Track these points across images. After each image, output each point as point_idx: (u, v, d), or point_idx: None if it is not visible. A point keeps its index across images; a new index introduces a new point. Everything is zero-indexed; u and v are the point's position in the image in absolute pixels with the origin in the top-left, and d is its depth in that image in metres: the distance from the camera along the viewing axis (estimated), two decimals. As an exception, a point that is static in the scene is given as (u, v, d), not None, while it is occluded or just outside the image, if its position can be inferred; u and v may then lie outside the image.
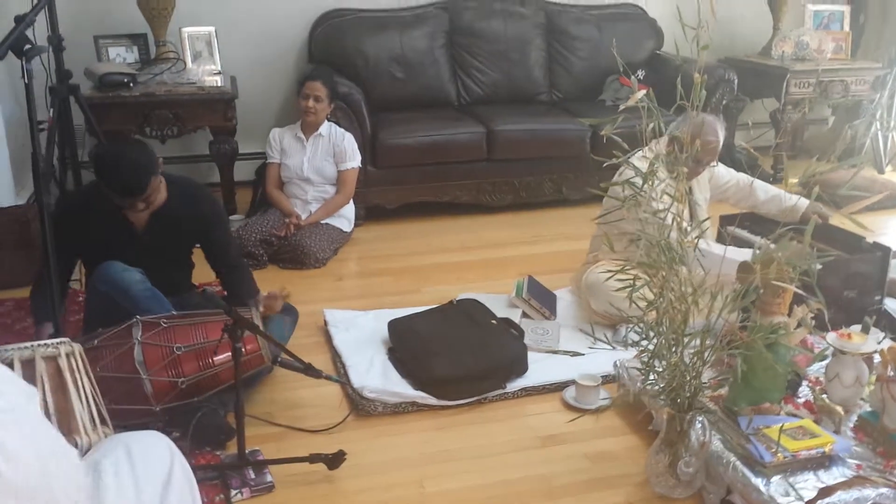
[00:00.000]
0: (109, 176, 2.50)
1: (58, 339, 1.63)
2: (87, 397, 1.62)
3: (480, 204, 4.43)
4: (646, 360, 2.13)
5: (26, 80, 2.13)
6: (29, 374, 1.51)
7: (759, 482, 2.03)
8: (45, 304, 2.40)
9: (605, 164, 2.01)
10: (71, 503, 1.02)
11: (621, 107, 1.94)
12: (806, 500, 1.93)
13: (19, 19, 2.14)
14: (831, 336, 2.34)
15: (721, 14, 5.27)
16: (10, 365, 1.49)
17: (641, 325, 2.11)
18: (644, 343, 2.12)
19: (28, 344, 1.56)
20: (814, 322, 2.20)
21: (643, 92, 1.94)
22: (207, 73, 4.20)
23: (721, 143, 2.97)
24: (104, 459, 1.32)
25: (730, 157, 4.71)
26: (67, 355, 1.60)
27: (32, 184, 3.75)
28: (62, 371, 1.57)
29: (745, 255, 2.24)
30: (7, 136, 3.66)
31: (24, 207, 3.64)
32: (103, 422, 1.67)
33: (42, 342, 1.59)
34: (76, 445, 1.52)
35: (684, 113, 2.62)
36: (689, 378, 2.10)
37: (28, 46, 2.11)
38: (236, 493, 2.18)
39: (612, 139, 2.00)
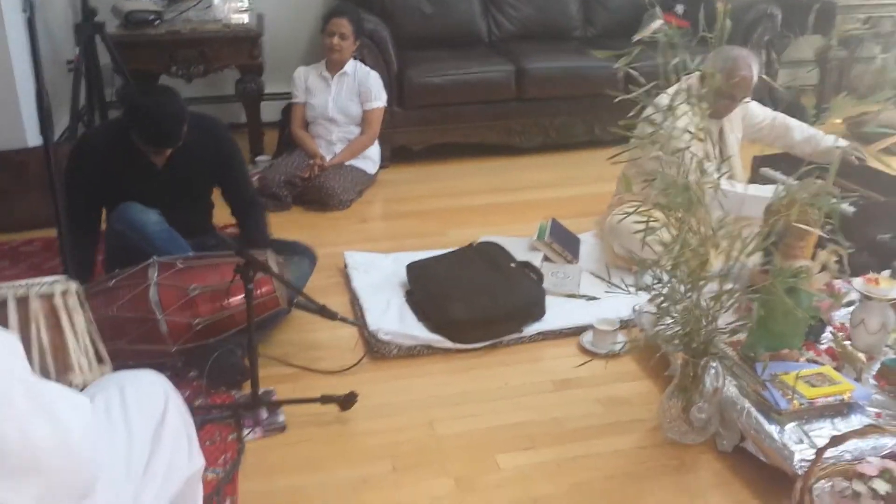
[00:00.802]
0: (148, 129, 2.52)
1: (53, 278, 1.64)
2: (83, 336, 1.63)
3: (510, 145, 4.35)
4: (660, 303, 2.07)
5: (27, 13, 2.11)
6: (24, 313, 1.53)
7: (772, 429, 1.99)
8: (73, 251, 2.43)
9: (616, 100, 1.93)
10: (66, 462, 1.02)
11: (634, 38, 1.85)
12: (818, 447, 1.88)
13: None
14: (857, 281, 2.26)
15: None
16: (4, 303, 1.52)
17: (656, 268, 2.05)
18: (657, 287, 2.06)
19: (23, 282, 1.58)
20: (838, 266, 2.12)
21: (660, 22, 1.84)
22: (234, 11, 4.15)
23: (755, 78, 2.85)
24: (96, 398, 1.33)
25: (770, 95, 4.53)
26: (63, 294, 1.61)
27: (60, 123, 3.82)
28: (57, 310, 1.59)
29: (768, 192, 2.15)
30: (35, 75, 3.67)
31: (52, 147, 3.67)
32: (101, 361, 1.69)
33: (37, 280, 1.60)
34: (71, 384, 1.55)
35: (716, 49, 2.51)
36: (704, 323, 2.05)
37: (28, -22, 2.09)
38: (249, 433, 2.21)
39: (631, 75, 1.92)
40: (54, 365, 1.55)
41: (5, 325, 1.51)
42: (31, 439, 0.91)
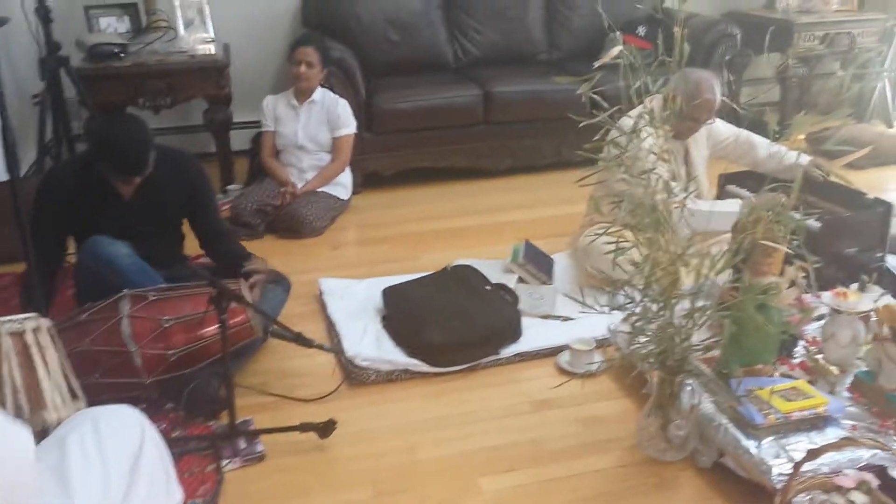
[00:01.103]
0: (115, 158, 2.50)
1: (24, 315, 1.62)
2: (55, 373, 1.61)
3: (478, 169, 4.38)
4: (634, 322, 2.10)
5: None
6: (-5, 350, 1.51)
7: (750, 444, 2.01)
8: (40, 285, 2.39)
9: (581, 125, 1.96)
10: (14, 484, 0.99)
11: (596, 64, 1.88)
12: (796, 461, 1.90)
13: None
14: (827, 295, 2.30)
15: (724, -34, 5.17)
16: (-24, 342, 1.50)
17: (628, 287, 2.07)
18: (631, 306, 2.08)
19: (-7, 319, 1.56)
20: (806, 281, 2.16)
21: (619, 48, 1.87)
22: (200, 42, 4.15)
23: (718, 100, 2.91)
24: (70, 435, 1.31)
25: (733, 114, 4.62)
26: (34, 331, 1.59)
27: (27, 157, 3.77)
28: (29, 347, 1.56)
29: (734, 206, 2.19)
30: (-2, 110, 3.64)
31: (19, 182, 3.62)
32: (74, 397, 1.66)
33: (8, 318, 1.58)
34: (44, 422, 1.52)
35: (679, 73, 2.56)
36: (678, 341, 2.07)
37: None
38: (227, 463, 2.19)
39: (593, 98, 1.95)
40: (28, 403, 1.52)
41: (-24, 363, 1.49)
42: None
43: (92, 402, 1.78)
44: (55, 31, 3.70)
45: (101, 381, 2.24)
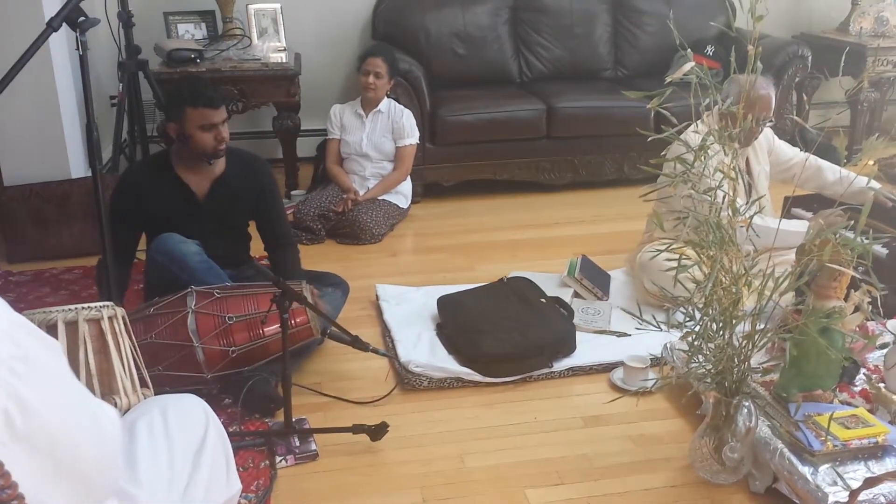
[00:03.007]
0: (193, 88, 2.66)
1: (101, 303, 1.70)
2: (128, 359, 1.68)
3: (539, 182, 4.39)
4: (692, 341, 2.08)
5: (80, 52, 2.20)
6: (73, 336, 1.59)
7: (806, 470, 1.97)
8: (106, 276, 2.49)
9: (649, 139, 1.96)
10: (100, 461, 1.04)
11: (667, 79, 1.89)
12: (852, 489, 1.87)
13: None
14: (892, 323, 2.25)
15: (798, -12, 5.09)
16: (55, 326, 1.57)
17: (687, 306, 2.06)
18: (690, 325, 2.07)
19: (72, 306, 1.63)
20: (871, 307, 2.11)
21: (691, 64, 1.87)
22: (272, 50, 4.27)
23: (773, 97, 2.85)
24: (139, 420, 1.36)
25: (801, 136, 4.55)
26: (110, 318, 1.66)
27: (102, 155, 3.92)
28: (104, 333, 1.64)
29: (801, 226, 2.16)
30: (80, 110, 3.80)
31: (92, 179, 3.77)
32: (143, 384, 1.73)
33: (86, 305, 1.65)
34: (116, 405, 1.59)
35: (728, 78, 2.52)
36: (737, 362, 2.05)
37: (81, 19, 2.18)
38: (281, 460, 2.24)
39: (661, 113, 1.95)
40: (100, 387, 1.59)
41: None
42: (76, 437, 0.93)
43: (155, 394, 1.85)
44: (135, 35, 3.85)
45: (163, 374, 2.32)
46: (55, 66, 3.52)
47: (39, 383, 0.88)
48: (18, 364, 0.85)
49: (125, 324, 1.72)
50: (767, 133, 3.07)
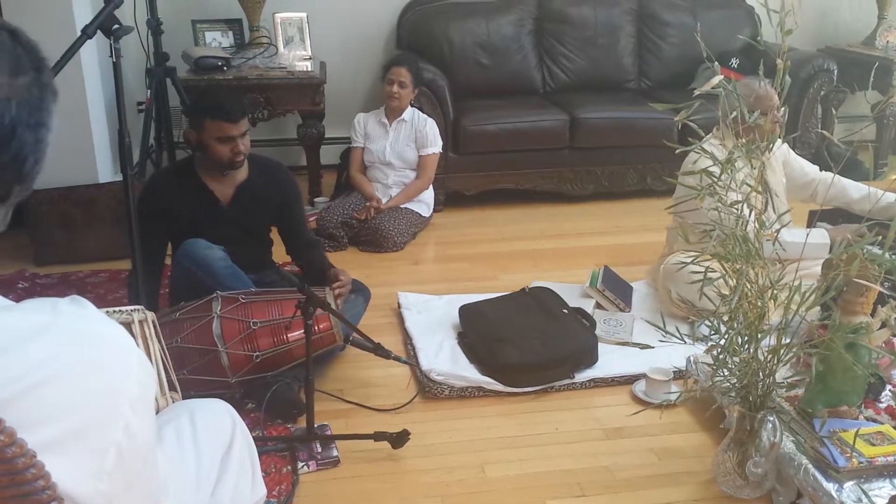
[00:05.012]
0: (213, 103, 2.69)
1: (131, 307, 1.72)
2: (158, 363, 1.70)
3: (561, 193, 4.39)
4: (716, 355, 2.07)
5: (114, 59, 2.24)
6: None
7: (830, 487, 1.95)
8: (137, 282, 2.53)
9: (676, 151, 1.96)
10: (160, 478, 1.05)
11: (696, 92, 1.89)
12: (879, 508, 1.85)
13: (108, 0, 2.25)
14: (919, 340, 2.22)
15: (823, 2, 5.07)
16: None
17: (713, 319, 2.05)
18: (715, 338, 2.06)
19: (103, 310, 1.65)
20: (899, 323, 2.09)
21: (720, 78, 1.88)
22: (298, 59, 4.32)
23: (770, 92, 2.82)
24: (168, 425, 1.38)
25: (827, 150, 4.52)
26: (140, 322, 1.69)
27: (130, 161, 3.97)
28: (135, 337, 1.66)
29: (824, 238, 2.15)
30: (108, 116, 3.85)
31: (123, 184, 3.82)
32: (172, 388, 1.75)
33: (116, 308, 1.68)
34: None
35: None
36: (762, 376, 2.04)
37: (116, 26, 2.22)
38: (303, 466, 2.25)
39: (688, 125, 1.95)
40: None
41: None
42: (137, 440, 0.95)
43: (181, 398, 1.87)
44: (163, 42, 3.90)
45: (188, 377, 2.34)
46: (85, 72, 3.57)
47: (145, 418, 0.92)
48: (137, 404, 0.89)
49: (155, 328, 1.74)
50: (782, 146, 3.05)
